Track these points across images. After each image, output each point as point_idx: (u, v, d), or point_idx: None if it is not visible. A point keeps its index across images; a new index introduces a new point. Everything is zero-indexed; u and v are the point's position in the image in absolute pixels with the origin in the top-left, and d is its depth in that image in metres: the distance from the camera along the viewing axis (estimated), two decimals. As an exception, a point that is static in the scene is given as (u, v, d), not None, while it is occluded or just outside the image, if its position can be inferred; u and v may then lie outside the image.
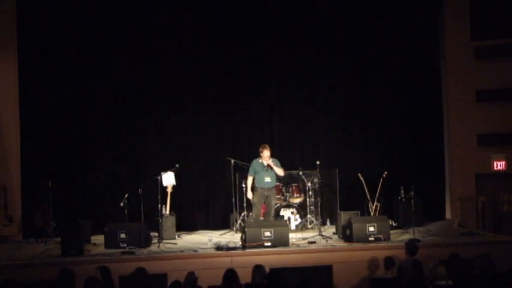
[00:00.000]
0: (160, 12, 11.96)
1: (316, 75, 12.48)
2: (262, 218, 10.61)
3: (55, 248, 9.68)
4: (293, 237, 10.13)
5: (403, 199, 11.24)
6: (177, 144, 12.10)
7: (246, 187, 10.80)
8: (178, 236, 10.88)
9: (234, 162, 11.41)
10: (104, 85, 11.84)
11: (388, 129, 12.60)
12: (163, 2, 11.98)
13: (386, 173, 11.12)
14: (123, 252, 9.34)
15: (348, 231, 9.91)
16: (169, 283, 6.75)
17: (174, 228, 10.79)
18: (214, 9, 12.06)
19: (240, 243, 9.65)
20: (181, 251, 9.39)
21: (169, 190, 10.97)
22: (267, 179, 10.45)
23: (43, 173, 11.06)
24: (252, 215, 10.89)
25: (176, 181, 11.08)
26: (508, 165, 12.11)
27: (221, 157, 11.87)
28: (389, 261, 8.07)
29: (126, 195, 10.00)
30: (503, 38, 12.15)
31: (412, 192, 10.65)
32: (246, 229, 9.54)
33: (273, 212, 10.59)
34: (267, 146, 10.46)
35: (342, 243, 9.88)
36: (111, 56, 11.83)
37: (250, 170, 10.61)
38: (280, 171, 10.45)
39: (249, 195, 10.72)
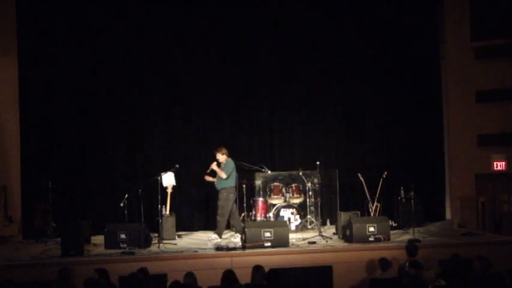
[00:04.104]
0: (164, 13, 11.96)
1: (316, 76, 12.48)
2: (260, 218, 10.70)
3: (55, 248, 9.68)
4: (293, 237, 10.13)
5: (403, 199, 11.23)
6: (177, 144, 12.10)
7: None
8: (178, 237, 10.88)
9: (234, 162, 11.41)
10: (104, 85, 11.84)
11: (388, 130, 12.60)
12: (167, 3, 11.98)
13: (386, 173, 11.10)
14: (123, 253, 9.34)
15: (348, 232, 9.91)
16: (168, 283, 6.75)
17: (174, 229, 10.79)
18: (216, 12, 12.06)
19: (240, 243, 9.65)
20: (181, 252, 9.40)
21: (169, 190, 10.96)
22: (215, 181, 10.63)
23: (43, 173, 11.06)
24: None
25: (176, 181, 11.07)
26: (508, 165, 12.12)
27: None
28: (384, 262, 8.07)
29: (126, 195, 9.99)
30: (503, 38, 12.15)
31: (412, 193, 10.66)
32: (246, 229, 9.54)
33: (220, 213, 10.51)
34: (217, 149, 10.60)
35: (342, 244, 9.88)
36: (112, 56, 11.83)
37: None
38: (220, 173, 10.49)
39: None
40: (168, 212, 10.90)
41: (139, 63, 11.93)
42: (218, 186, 10.60)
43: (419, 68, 12.54)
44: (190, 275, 7.01)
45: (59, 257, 9.15)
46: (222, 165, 10.55)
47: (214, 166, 10.48)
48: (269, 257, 9.10)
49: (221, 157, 10.56)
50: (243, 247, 9.45)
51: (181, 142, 12.13)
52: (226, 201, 10.52)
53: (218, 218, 10.53)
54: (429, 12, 12.65)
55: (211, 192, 12.15)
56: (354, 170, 11.73)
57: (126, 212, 9.82)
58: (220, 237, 10.43)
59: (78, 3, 11.70)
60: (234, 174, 10.63)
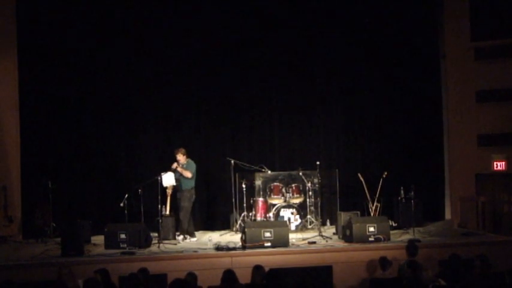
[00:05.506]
0: (163, 13, 11.94)
1: (316, 76, 12.48)
2: (260, 218, 10.72)
3: (55, 248, 9.69)
4: (293, 237, 10.13)
5: (403, 199, 11.23)
6: (177, 144, 12.06)
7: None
8: (178, 236, 10.88)
9: (234, 162, 11.42)
10: (104, 85, 11.84)
11: (388, 130, 12.60)
12: (167, 4, 11.97)
13: (386, 173, 11.11)
14: (123, 253, 9.35)
15: (348, 232, 9.91)
16: (168, 283, 6.75)
17: (174, 229, 10.79)
18: (216, 13, 12.06)
19: (240, 243, 9.65)
20: (181, 252, 9.40)
21: (169, 191, 10.96)
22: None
23: (43, 173, 11.06)
24: None
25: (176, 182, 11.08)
26: (508, 165, 12.10)
27: (221, 157, 11.87)
28: (384, 261, 8.08)
29: (126, 195, 9.99)
30: (503, 38, 12.14)
31: (412, 193, 10.64)
32: (246, 229, 9.55)
33: (183, 214, 10.61)
34: (177, 149, 10.68)
35: (342, 244, 9.88)
36: (111, 56, 11.83)
37: None
38: (185, 173, 10.58)
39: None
40: (168, 212, 10.90)
41: (141, 64, 11.92)
42: (181, 186, 10.65)
43: (419, 68, 12.53)
44: (190, 275, 7.02)
45: (59, 257, 9.15)
46: (184, 165, 10.61)
47: (176, 167, 10.54)
48: (269, 257, 9.11)
49: (181, 158, 10.63)
50: (243, 247, 9.45)
51: (181, 142, 12.09)
52: (189, 201, 10.65)
53: (181, 218, 10.63)
54: (429, 12, 12.64)
55: (211, 192, 12.22)
56: (354, 170, 11.74)
57: (126, 212, 9.82)
58: (187, 234, 10.57)
59: (78, 3, 11.69)
60: (195, 174, 10.70)
